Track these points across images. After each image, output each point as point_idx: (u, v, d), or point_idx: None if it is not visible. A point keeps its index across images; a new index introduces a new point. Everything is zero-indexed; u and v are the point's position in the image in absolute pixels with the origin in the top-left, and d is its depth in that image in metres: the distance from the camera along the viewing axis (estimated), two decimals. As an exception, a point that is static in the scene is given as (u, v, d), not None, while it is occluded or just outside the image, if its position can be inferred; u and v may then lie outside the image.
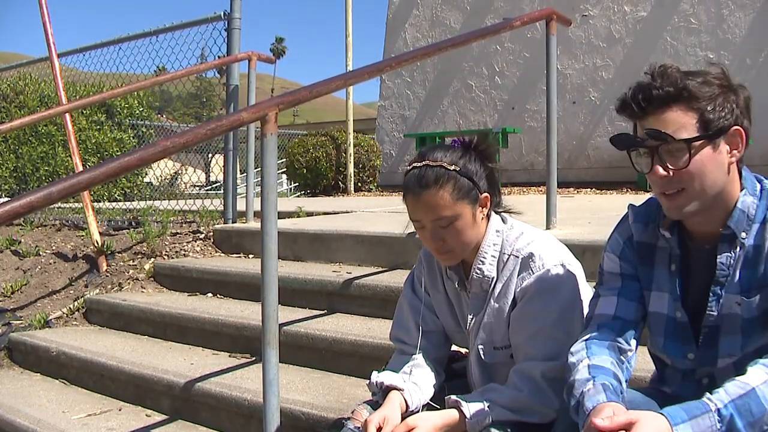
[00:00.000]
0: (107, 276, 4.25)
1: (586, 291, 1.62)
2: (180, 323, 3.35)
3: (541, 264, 1.58)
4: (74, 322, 3.87)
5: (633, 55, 7.33)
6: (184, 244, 4.39)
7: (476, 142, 1.64)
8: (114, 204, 7.38)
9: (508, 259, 1.63)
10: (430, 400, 1.66)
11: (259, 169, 2.29)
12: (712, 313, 1.36)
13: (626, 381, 1.39)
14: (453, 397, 1.54)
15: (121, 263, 4.34)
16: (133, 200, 8.58)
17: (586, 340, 1.41)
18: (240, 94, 4.53)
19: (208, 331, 3.21)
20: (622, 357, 1.40)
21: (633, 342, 1.43)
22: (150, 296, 3.81)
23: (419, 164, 1.58)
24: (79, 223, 5.37)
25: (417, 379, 1.67)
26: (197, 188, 11.99)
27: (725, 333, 1.36)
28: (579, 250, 2.16)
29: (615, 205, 4.59)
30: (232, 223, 4.52)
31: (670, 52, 7.08)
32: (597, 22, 7.62)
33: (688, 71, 1.32)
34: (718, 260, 1.34)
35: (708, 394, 1.18)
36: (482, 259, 1.64)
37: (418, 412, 1.59)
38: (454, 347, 1.86)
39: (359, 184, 8.40)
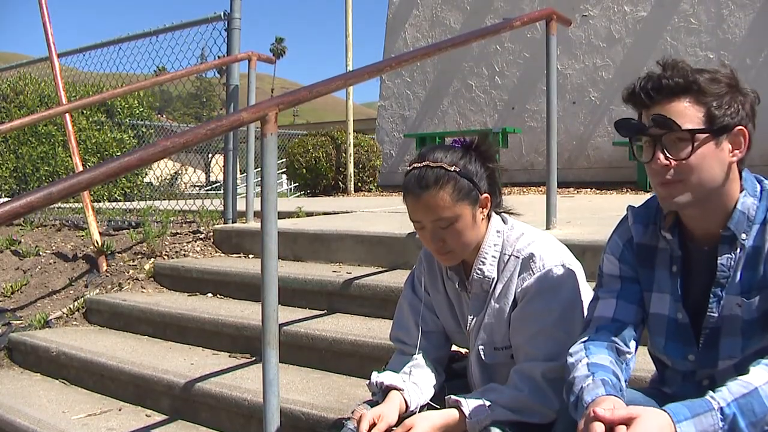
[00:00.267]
0: (107, 276, 4.25)
1: (587, 291, 1.62)
2: (180, 323, 3.35)
3: (542, 264, 1.58)
4: (74, 322, 3.87)
5: (633, 55, 7.34)
6: (184, 244, 4.39)
7: (477, 142, 1.64)
8: (114, 204, 7.38)
9: (508, 259, 1.63)
10: (431, 400, 1.66)
11: (259, 169, 2.29)
12: (712, 314, 1.36)
13: (626, 381, 1.38)
14: (453, 396, 1.54)
15: (121, 263, 4.34)
16: (133, 200, 8.58)
17: (584, 341, 1.41)
18: (240, 94, 4.53)
19: (208, 331, 3.21)
20: (620, 358, 1.40)
21: (632, 344, 1.43)
22: (150, 296, 3.81)
23: (419, 165, 1.58)
24: (79, 223, 5.37)
25: (417, 379, 1.67)
26: (197, 188, 11.99)
27: (726, 335, 1.36)
28: (579, 250, 2.16)
29: (615, 205, 4.59)
30: (232, 223, 4.52)
31: (670, 52, 7.08)
32: (597, 22, 7.62)
33: (699, 68, 1.32)
34: (718, 261, 1.34)
35: (711, 393, 1.17)
36: (483, 259, 1.64)
37: (417, 412, 1.58)
38: (454, 347, 1.86)
39: (359, 184, 8.40)
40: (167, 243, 4.45)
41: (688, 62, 1.32)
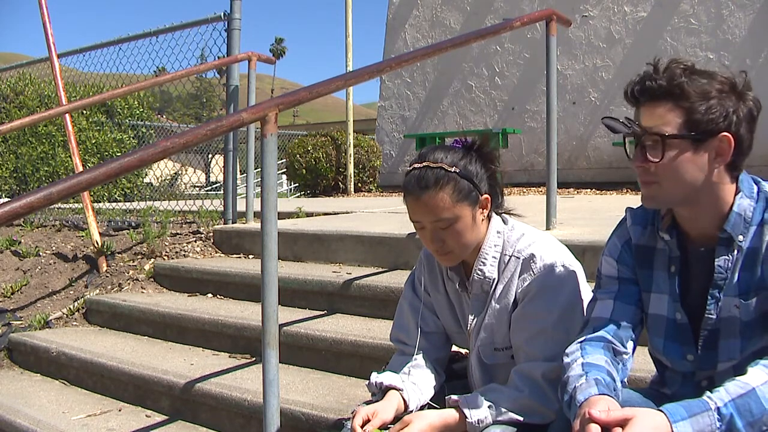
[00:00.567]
0: (107, 276, 4.24)
1: (587, 292, 1.62)
2: (180, 324, 3.35)
3: (542, 265, 1.58)
4: (74, 323, 3.87)
5: (633, 55, 7.33)
6: (184, 244, 4.39)
7: (478, 143, 1.64)
8: (114, 204, 7.38)
9: (509, 260, 1.63)
10: (431, 400, 1.66)
11: (259, 169, 2.29)
12: (710, 316, 1.36)
13: (622, 381, 1.39)
14: (453, 396, 1.54)
15: (121, 264, 4.34)
16: (133, 201, 8.58)
17: (581, 341, 1.42)
18: (240, 95, 4.53)
19: (208, 332, 3.21)
20: (617, 358, 1.40)
21: (629, 344, 1.43)
22: (150, 297, 3.81)
23: (419, 165, 1.58)
24: (79, 223, 5.37)
25: (416, 379, 1.67)
26: (197, 189, 11.99)
27: (724, 336, 1.36)
28: (579, 250, 2.16)
29: (615, 206, 4.59)
30: (232, 223, 4.52)
31: (670, 53, 7.07)
32: (597, 23, 7.61)
33: (697, 70, 1.32)
34: (715, 263, 1.34)
35: (708, 393, 1.17)
36: (483, 260, 1.64)
37: (417, 411, 1.58)
38: (454, 348, 1.86)
39: (359, 185, 8.40)
40: (167, 243, 4.45)
41: (686, 62, 1.32)
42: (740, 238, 1.32)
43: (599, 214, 4.14)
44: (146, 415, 2.81)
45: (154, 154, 1.82)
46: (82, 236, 4.94)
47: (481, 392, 1.55)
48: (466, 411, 1.49)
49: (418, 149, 6.45)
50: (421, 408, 1.61)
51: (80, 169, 4.93)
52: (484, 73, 8.37)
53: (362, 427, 1.51)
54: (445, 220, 1.55)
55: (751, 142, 1.33)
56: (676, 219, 1.40)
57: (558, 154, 3.57)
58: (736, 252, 1.33)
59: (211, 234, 4.42)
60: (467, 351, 1.80)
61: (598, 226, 3.30)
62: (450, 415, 1.51)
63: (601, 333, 1.42)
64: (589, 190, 6.84)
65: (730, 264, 1.34)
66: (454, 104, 8.60)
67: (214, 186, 13.49)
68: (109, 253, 4.46)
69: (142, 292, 3.91)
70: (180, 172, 10.52)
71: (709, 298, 1.36)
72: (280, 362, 2.03)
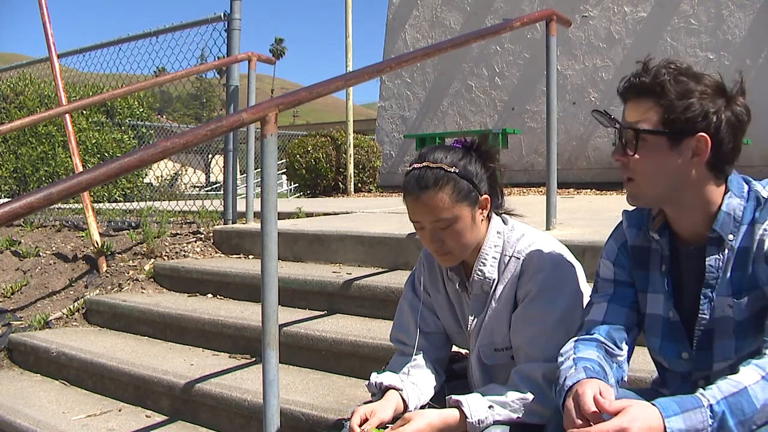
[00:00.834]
0: (107, 277, 4.24)
1: (587, 292, 1.62)
2: (180, 324, 3.35)
3: (543, 266, 1.58)
4: (74, 323, 3.87)
5: (633, 55, 7.33)
6: (184, 244, 4.39)
7: (478, 143, 1.64)
8: (114, 205, 7.38)
9: (509, 260, 1.63)
10: (431, 400, 1.66)
11: (259, 169, 2.29)
12: (704, 315, 1.37)
13: (619, 381, 1.40)
14: (454, 397, 1.54)
15: (121, 264, 4.34)
16: (133, 201, 8.58)
17: (575, 341, 1.44)
18: (240, 95, 4.53)
19: (208, 332, 3.21)
20: (611, 359, 1.42)
21: (624, 346, 1.44)
22: (150, 297, 3.81)
23: (419, 165, 1.58)
24: (79, 223, 5.37)
25: (416, 379, 1.67)
26: (197, 189, 11.99)
27: (719, 336, 1.37)
28: (579, 250, 2.16)
29: (615, 206, 4.58)
30: (232, 223, 4.52)
31: (670, 53, 7.07)
32: (597, 23, 7.62)
33: (687, 71, 1.32)
34: (706, 263, 1.35)
35: (701, 390, 1.18)
36: (483, 260, 1.64)
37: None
38: (454, 348, 1.86)
39: (359, 185, 8.40)
40: (167, 244, 4.45)
41: (680, 63, 1.33)
42: (730, 237, 1.33)
43: (599, 214, 4.14)
44: (146, 416, 2.81)
45: (154, 154, 1.82)
46: (82, 236, 4.94)
47: (482, 392, 1.55)
48: (467, 411, 1.49)
49: (418, 149, 6.46)
50: (421, 408, 1.61)
51: (80, 169, 4.93)
52: (484, 74, 8.37)
53: (360, 426, 1.51)
54: (444, 220, 1.56)
55: (737, 145, 1.33)
56: (667, 219, 1.42)
57: (558, 154, 3.57)
58: (727, 251, 1.34)
59: (211, 234, 4.42)
60: (467, 351, 1.80)
61: (598, 226, 3.30)
62: (450, 414, 1.51)
63: (594, 335, 1.43)
64: (589, 190, 6.84)
65: (721, 263, 1.34)
66: (454, 104, 8.61)
67: (214, 186, 13.50)
68: (109, 253, 4.46)
69: (142, 293, 3.91)
70: (180, 172, 10.52)
71: (702, 297, 1.37)
72: (280, 362, 2.03)
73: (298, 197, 9.68)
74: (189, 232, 4.63)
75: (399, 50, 8.83)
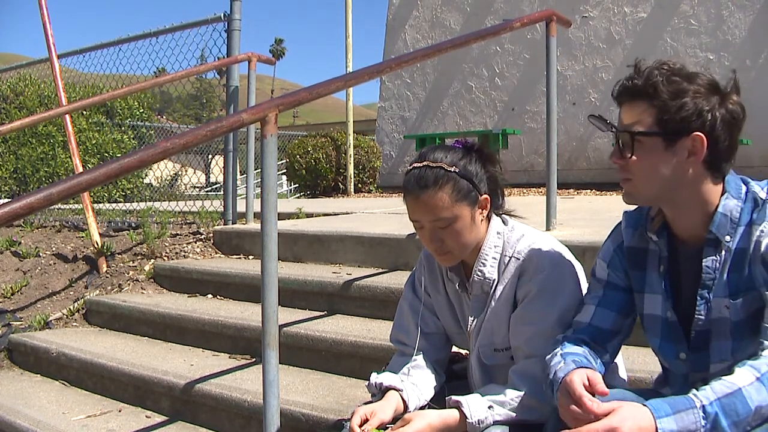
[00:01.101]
0: (107, 277, 4.24)
1: (587, 292, 1.62)
2: (180, 324, 3.35)
3: (542, 266, 1.58)
4: (74, 323, 3.87)
5: (633, 56, 7.21)
6: (184, 245, 4.39)
7: (478, 144, 1.64)
8: (114, 205, 7.38)
9: (509, 261, 1.63)
10: (431, 401, 1.66)
11: (259, 170, 2.29)
12: (700, 316, 1.37)
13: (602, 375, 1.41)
14: (454, 397, 1.54)
15: (121, 264, 4.34)
16: (133, 201, 8.58)
17: (562, 338, 1.47)
18: (240, 95, 4.53)
19: (208, 333, 3.21)
20: (597, 359, 1.44)
21: (610, 348, 1.47)
22: (150, 297, 3.81)
23: (419, 165, 1.58)
24: (79, 224, 5.37)
25: (416, 379, 1.67)
26: (197, 189, 12.00)
27: (716, 337, 1.37)
28: (579, 251, 2.16)
29: (615, 206, 4.58)
30: (232, 224, 4.52)
31: (670, 54, 7.07)
32: (597, 24, 7.62)
33: (680, 71, 1.33)
34: (703, 264, 1.35)
35: (694, 391, 1.18)
36: (483, 261, 1.64)
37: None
38: (454, 348, 1.86)
39: (359, 186, 8.40)
40: (167, 244, 4.45)
41: (673, 63, 1.34)
42: (727, 238, 1.33)
43: (599, 214, 4.14)
44: (146, 416, 2.81)
45: (154, 154, 1.82)
46: (82, 237, 4.94)
47: (481, 392, 1.55)
48: (466, 411, 1.49)
49: (418, 150, 6.46)
50: (421, 408, 1.61)
51: (80, 169, 4.93)
52: (484, 74, 8.37)
53: (360, 426, 1.51)
54: (443, 220, 1.56)
55: (733, 143, 1.33)
56: (666, 220, 1.42)
57: (558, 154, 3.57)
58: (724, 252, 1.34)
59: (211, 235, 4.42)
60: (467, 352, 1.80)
61: (598, 226, 3.30)
62: (450, 415, 1.51)
63: (580, 334, 1.47)
64: (589, 190, 6.84)
65: (718, 264, 1.34)
66: (454, 105, 8.61)
67: (214, 187, 13.50)
68: (109, 253, 4.46)
69: (142, 293, 3.91)
70: (180, 172, 10.52)
71: (698, 298, 1.37)
72: (280, 363, 2.03)
73: (298, 198, 9.68)
74: (189, 233, 4.63)
75: (399, 51, 8.84)
